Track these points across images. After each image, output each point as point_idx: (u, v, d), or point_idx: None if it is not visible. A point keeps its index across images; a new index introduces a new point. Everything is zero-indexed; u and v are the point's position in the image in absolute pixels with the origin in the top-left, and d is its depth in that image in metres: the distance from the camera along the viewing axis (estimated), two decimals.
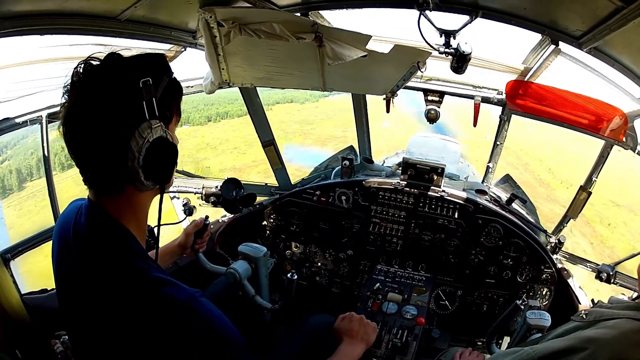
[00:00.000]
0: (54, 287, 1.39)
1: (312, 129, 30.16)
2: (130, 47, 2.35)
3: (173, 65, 2.69)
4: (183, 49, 2.67)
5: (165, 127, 1.20)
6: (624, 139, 2.62)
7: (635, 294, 2.55)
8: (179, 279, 1.20)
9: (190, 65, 2.90)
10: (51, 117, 2.50)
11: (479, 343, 3.08)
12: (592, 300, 2.86)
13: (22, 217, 16.52)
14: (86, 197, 1.28)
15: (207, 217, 2.24)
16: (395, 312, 2.60)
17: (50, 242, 1.38)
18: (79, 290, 1.25)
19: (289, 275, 2.16)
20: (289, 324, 2.36)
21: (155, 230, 1.35)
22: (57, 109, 2.41)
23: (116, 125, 1.12)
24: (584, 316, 1.41)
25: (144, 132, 1.13)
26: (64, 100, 1.14)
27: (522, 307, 1.93)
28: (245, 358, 1.24)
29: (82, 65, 1.13)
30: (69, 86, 1.13)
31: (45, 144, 2.56)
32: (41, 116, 2.47)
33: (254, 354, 1.26)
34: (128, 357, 1.18)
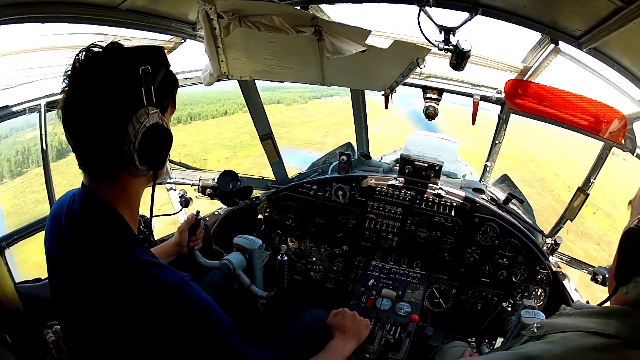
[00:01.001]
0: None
1: (287, 132, 27.29)
2: (130, 37, 2.35)
3: (172, 56, 2.70)
4: (182, 41, 2.67)
5: (161, 115, 1.22)
6: (623, 141, 2.62)
7: None
8: None
9: (189, 57, 2.90)
10: (50, 106, 2.49)
11: (472, 342, 3.09)
12: (587, 302, 2.85)
13: None
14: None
15: (197, 212, 2.22)
16: (389, 309, 2.60)
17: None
18: (70, 278, 1.25)
19: (278, 257, 2.16)
20: (285, 316, 2.37)
21: (150, 218, 1.37)
22: (56, 97, 2.42)
23: (115, 109, 1.14)
24: (535, 330, 1.20)
25: (141, 117, 1.16)
26: (64, 85, 1.16)
27: (509, 309, 1.92)
28: (237, 341, 1.27)
29: (84, 53, 1.16)
30: (69, 72, 1.16)
31: (43, 133, 2.55)
32: (40, 104, 2.46)
33: (246, 338, 1.29)
34: (120, 343, 1.18)
